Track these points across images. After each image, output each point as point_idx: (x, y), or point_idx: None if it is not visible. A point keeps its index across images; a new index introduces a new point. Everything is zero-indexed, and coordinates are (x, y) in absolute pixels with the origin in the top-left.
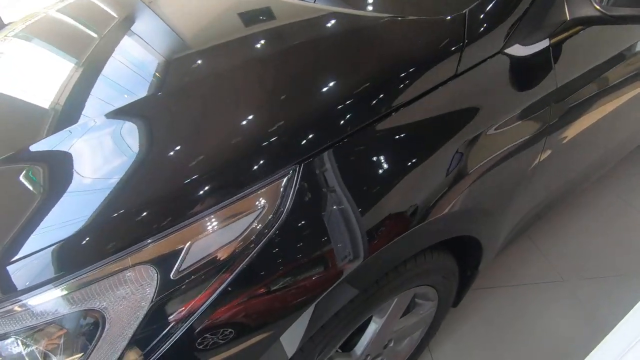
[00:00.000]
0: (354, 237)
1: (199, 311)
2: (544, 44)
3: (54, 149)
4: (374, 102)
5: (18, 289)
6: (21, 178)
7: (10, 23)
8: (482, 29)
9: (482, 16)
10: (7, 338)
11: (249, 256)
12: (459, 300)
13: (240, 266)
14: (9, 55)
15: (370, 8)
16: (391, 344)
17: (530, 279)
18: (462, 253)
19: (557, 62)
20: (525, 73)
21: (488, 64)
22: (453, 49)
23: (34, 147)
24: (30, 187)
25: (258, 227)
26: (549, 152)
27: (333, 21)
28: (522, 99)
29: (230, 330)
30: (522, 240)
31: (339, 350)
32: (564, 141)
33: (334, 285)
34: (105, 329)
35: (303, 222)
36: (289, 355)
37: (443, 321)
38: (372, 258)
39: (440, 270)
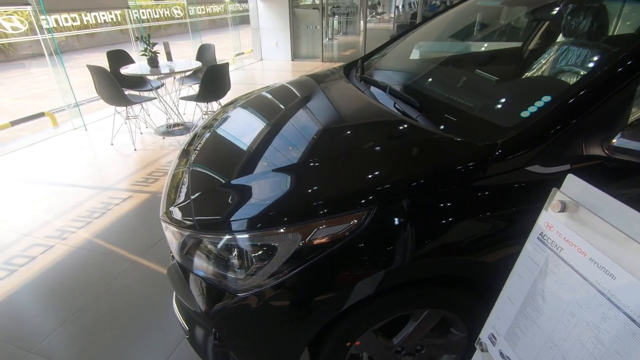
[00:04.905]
0: (392, 250)
1: (311, 261)
2: (565, 167)
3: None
4: (423, 183)
5: (245, 229)
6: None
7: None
8: (506, 154)
9: (508, 147)
10: (233, 248)
11: (336, 245)
12: None
13: (332, 248)
14: (233, 117)
15: (433, 128)
16: (423, 351)
17: None
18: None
19: None
20: (541, 185)
21: (509, 174)
22: (481, 162)
23: (235, 181)
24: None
25: (347, 234)
26: None
27: (411, 132)
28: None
29: (321, 276)
30: None
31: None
32: None
33: (376, 272)
34: (275, 254)
35: (369, 236)
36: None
37: None
38: (407, 266)
39: (459, 303)
